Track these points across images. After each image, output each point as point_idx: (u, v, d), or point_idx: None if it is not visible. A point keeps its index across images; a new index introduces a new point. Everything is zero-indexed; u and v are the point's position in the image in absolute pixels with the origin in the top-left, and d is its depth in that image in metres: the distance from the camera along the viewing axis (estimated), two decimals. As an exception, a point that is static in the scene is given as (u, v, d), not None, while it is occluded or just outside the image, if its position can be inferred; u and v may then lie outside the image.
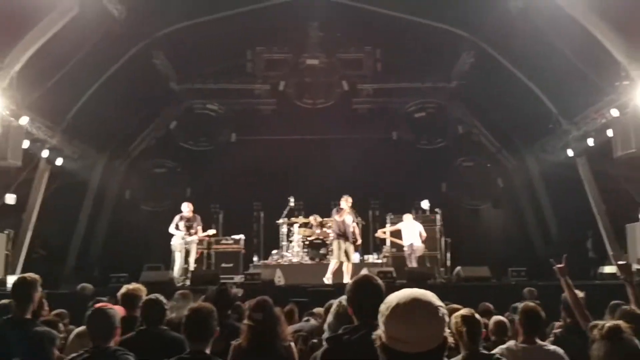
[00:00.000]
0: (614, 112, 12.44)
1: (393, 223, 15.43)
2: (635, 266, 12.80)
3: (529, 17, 12.93)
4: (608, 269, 13.83)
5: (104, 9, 12.33)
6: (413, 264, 13.82)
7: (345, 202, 12.80)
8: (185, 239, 13.36)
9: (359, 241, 13.38)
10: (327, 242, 14.50)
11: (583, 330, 4.40)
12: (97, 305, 4.14)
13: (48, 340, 4.43)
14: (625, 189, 13.98)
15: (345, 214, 12.84)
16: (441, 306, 1.85)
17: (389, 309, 1.83)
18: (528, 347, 4.29)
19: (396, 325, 1.80)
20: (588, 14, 11.64)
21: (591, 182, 15.22)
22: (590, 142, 14.25)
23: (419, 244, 14.12)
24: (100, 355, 3.50)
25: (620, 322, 3.33)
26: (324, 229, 15.06)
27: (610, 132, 12.88)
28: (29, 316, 4.39)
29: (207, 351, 3.63)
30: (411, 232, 14.23)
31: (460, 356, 3.87)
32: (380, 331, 1.87)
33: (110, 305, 4.08)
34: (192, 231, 13.50)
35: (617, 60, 11.71)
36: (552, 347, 4.32)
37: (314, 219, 15.31)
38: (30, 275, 4.58)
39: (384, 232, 15.15)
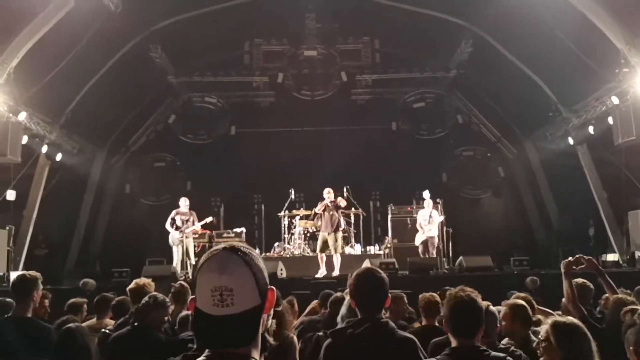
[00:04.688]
0: (614, 100, 12.40)
1: (394, 214, 15.36)
2: (638, 253, 12.84)
3: (528, 5, 12.85)
4: (611, 257, 13.83)
5: (99, 3, 12.22)
6: (433, 254, 13.74)
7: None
8: (183, 233, 13.30)
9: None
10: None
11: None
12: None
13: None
14: (626, 176, 13.93)
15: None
16: None
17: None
18: None
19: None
20: (587, 1, 11.57)
21: (592, 170, 15.18)
22: (591, 130, 14.21)
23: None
24: None
25: None
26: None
27: (610, 120, 12.86)
28: (29, 314, 4.25)
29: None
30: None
31: None
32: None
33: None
34: (189, 223, 13.46)
35: (617, 47, 11.65)
36: None
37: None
38: (31, 272, 4.44)
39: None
